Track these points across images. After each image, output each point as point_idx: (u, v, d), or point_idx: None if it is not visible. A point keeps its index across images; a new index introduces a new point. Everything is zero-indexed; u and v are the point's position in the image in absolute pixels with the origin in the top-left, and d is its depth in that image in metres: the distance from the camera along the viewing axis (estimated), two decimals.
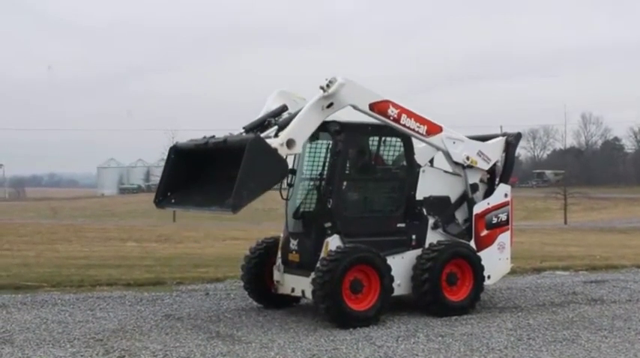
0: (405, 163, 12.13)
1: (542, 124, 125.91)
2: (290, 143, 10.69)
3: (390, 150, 12.18)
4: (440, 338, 10.25)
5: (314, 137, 12.17)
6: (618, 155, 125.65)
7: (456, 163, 12.49)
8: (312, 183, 12.15)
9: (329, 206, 11.44)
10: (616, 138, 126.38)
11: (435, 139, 12.21)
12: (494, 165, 12.97)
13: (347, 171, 11.74)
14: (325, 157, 12.02)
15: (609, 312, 12.32)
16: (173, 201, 11.77)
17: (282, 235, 12.34)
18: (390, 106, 11.66)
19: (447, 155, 12.42)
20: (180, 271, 17.32)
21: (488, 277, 12.47)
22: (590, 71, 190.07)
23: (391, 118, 11.67)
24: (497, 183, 13.04)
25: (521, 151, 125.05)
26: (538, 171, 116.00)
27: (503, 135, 13.34)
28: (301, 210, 12.08)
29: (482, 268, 12.18)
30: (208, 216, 77.56)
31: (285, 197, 12.04)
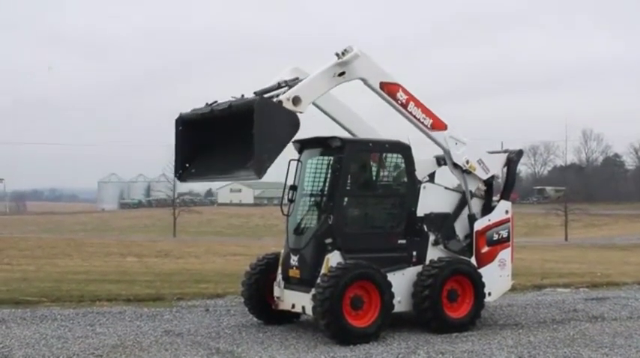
0: (405, 179, 12.13)
1: (542, 140, 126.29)
2: (296, 100, 10.66)
3: (391, 166, 12.18)
4: (440, 356, 10.21)
5: (316, 153, 12.19)
6: (619, 171, 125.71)
7: (455, 165, 12.47)
8: (312, 199, 12.14)
9: (330, 222, 11.42)
10: (616, 155, 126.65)
11: (438, 135, 12.21)
12: (492, 178, 12.93)
13: (348, 188, 11.74)
14: (326, 173, 12.01)
15: (610, 330, 12.28)
16: (193, 171, 11.74)
17: (282, 251, 12.31)
18: (400, 90, 11.72)
19: (448, 154, 12.40)
20: (181, 287, 17.30)
21: (489, 294, 12.44)
22: (590, 87, 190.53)
23: (399, 102, 11.71)
24: (497, 199, 13.04)
25: (522, 167, 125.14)
26: (539, 187, 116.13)
27: (505, 151, 13.35)
28: (302, 226, 12.06)
29: (483, 285, 12.14)
30: (210, 231, 77.80)
31: (285, 213, 12.04)
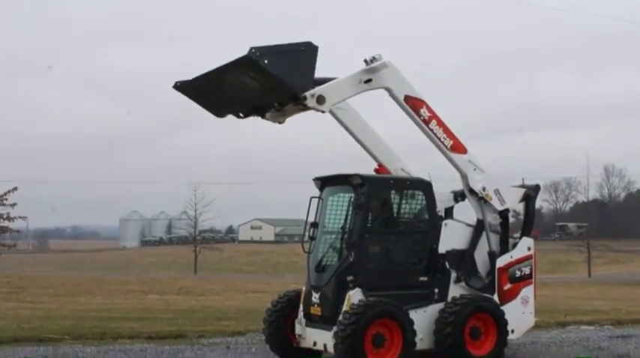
0: (427, 216, 12.11)
1: (564, 176, 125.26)
2: (320, 98, 10.85)
3: (412, 203, 12.18)
4: None
5: (337, 190, 12.21)
6: None
7: (471, 191, 12.42)
8: (334, 236, 12.13)
9: (351, 259, 11.41)
10: (639, 191, 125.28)
11: (457, 158, 12.22)
12: (507, 211, 12.80)
13: (369, 225, 11.74)
14: (347, 210, 12.02)
15: None
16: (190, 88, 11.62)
17: (303, 288, 12.30)
18: (425, 107, 11.82)
19: (465, 178, 12.37)
20: (202, 324, 17.28)
21: (512, 331, 12.32)
22: (611, 123, 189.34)
23: (421, 118, 11.81)
24: (519, 235, 12.96)
25: (544, 204, 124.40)
26: (561, 223, 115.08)
27: (522, 186, 13.27)
28: (323, 263, 12.05)
29: (505, 322, 12.04)
30: (231, 268, 77.74)
31: (306, 250, 12.04)
